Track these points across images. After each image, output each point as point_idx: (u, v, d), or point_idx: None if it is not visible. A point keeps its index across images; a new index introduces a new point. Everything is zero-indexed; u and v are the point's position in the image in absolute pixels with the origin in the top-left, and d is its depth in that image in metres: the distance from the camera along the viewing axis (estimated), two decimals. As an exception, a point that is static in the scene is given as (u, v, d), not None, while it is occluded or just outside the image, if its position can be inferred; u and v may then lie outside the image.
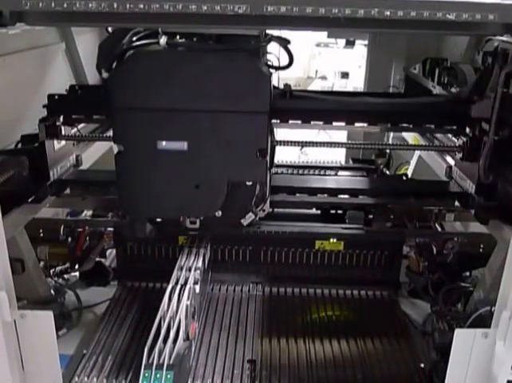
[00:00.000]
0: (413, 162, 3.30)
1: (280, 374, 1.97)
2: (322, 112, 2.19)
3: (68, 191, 2.35)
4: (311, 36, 8.58)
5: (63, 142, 2.34)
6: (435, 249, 2.38)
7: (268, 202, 2.12)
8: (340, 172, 2.98)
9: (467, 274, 2.41)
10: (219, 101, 1.84)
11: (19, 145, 2.23)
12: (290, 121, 2.21)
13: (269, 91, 1.85)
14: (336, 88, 8.53)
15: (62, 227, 2.37)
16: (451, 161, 2.47)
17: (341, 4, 1.30)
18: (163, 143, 1.88)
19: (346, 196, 2.42)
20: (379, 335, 2.20)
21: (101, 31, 3.01)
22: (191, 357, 1.94)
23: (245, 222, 2.07)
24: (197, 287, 2.01)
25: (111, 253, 2.61)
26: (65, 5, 1.30)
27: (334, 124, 2.23)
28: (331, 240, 2.45)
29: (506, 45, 1.95)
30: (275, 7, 1.30)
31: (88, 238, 2.44)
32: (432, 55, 3.14)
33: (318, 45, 9.47)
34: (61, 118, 2.24)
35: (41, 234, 2.37)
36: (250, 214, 2.05)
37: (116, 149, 1.94)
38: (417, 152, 3.19)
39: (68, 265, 2.47)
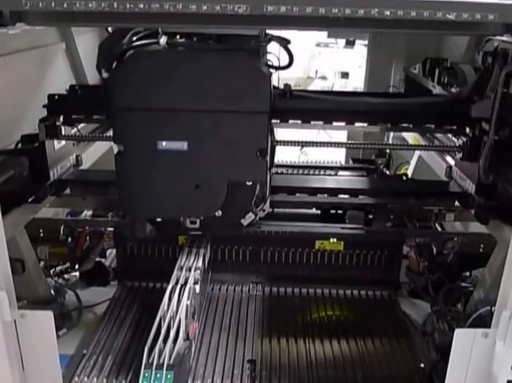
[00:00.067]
0: (413, 162, 3.30)
1: (280, 374, 1.97)
2: (322, 112, 2.19)
3: (68, 191, 2.35)
4: (311, 36, 8.59)
5: (63, 142, 2.34)
6: (435, 249, 2.38)
7: (268, 202, 2.12)
8: (340, 172, 2.98)
9: (467, 274, 2.41)
10: (219, 101, 1.84)
11: (19, 145, 2.23)
12: (290, 121, 2.21)
13: (269, 91, 1.85)
14: (336, 88, 8.53)
15: (62, 227, 2.37)
16: (451, 161, 2.47)
17: (341, 4, 1.30)
18: (163, 143, 1.88)
19: (346, 196, 2.41)
20: (379, 335, 2.20)
21: (101, 31, 3.01)
22: (191, 357, 1.94)
23: (245, 222, 2.07)
24: (197, 287, 2.01)
25: (111, 253, 2.61)
26: (65, 5, 1.30)
27: (334, 124, 2.23)
28: (331, 240, 2.45)
29: (506, 45, 1.95)
30: (275, 7, 1.30)
31: (88, 238, 2.44)
32: (432, 55, 3.14)
33: (318, 45, 9.47)
34: (61, 118, 2.24)
35: (41, 234, 2.37)
36: (250, 214, 2.05)
37: (116, 149, 1.94)
38: (417, 152, 3.19)
39: (68, 265, 2.47)
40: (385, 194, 2.44)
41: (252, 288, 2.52)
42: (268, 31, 1.96)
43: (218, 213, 2.00)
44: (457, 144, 2.40)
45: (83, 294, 2.41)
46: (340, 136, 4.58)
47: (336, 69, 9.21)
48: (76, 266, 2.46)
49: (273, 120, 2.09)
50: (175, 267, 2.14)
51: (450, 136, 2.59)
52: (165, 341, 1.77)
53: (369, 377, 1.98)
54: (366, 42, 4.14)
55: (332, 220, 2.54)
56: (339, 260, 2.49)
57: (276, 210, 2.40)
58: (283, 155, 2.87)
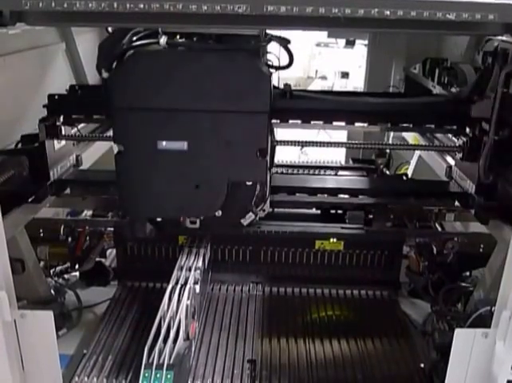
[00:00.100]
0: (413, 162, 3.30)
1: (280, 374, 1.97)
2: (322, 111, 2.19)
3: (68, 191, 2.35)
4: (311, 36, 8.59)
5: (63, 142, 2.34)
6: (435, 249, 2.38)
7: (268, 202, 2.12)
8: (340, 172, 2.98)
9: (467, 274, 2.41)
10: (219, 101, 1.84)
11: (19, 145, 2.23)
12: (290, 121, 2.21)
13: (269, 91, 1.85)
14: (337, 88, 8.53)
15: (62, 227, 2.37)
16: (451, 161, 2.47)
17: (341, 4, 1.30)
18: (163, 143, 1.88)
19: (346, 196, 2.41)
20: (379, 335, 2.20)
21: (101, 31, 3.01)
22: (191, 356, 1.94)
23: (245, 222, 2.07)
24: (197, 287, 2.01)
25: (111, 253, 2.61)
26: (65, 5, 1.30)
27: (334, 124, 2.23)
28: (331, 240, 2.45)
29: (506, 44, 1.95)
30: (275, 7, 1.30)
31: (88, 238, 2.44)
32: (432, 55, 3.14)
33: (318, 45, 9.47)
34: (61, 118, 2.24)
35: (41, 234, 2.37)
36: (250, 214, 2.05)
37: (116, 149, 1.94)
38: (417, 152, 3.19)
39: (68, 265, 2.47)
40: (385, 194, 2.44)
41: (252, 288, 2.52)
42: (268, 31, 1.96)
43: (218, 213, 2.00)
44: (457, 144, 2.40)
45: (83, 294, 2.41)
46: (340, 136, 4.58)
47: (336, 69, 9.21)
48: (76, 266, 2.46)
49: (273, 120, 2.09)
50: (175, 267, 2.14)
51: (450, 136, 2.59)
52: (165, 341, 1.77)
53: (369, 377, 1.98)
54: (366, 42, 4.15)
55: (332, 220, 2.54)
56: (339, 260, 2.49)
57: (276, 210, 2.39)
58: (283, 155, 2.87)
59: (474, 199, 2.11)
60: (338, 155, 3.89)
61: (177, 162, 1.91)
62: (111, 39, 1.96)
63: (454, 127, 2.28)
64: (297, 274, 2.51)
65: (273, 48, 2.05)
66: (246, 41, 1.86)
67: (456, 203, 2.33)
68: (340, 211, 2.56)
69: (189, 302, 1.89)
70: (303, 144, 2.35)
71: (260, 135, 1.90)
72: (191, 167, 1.92)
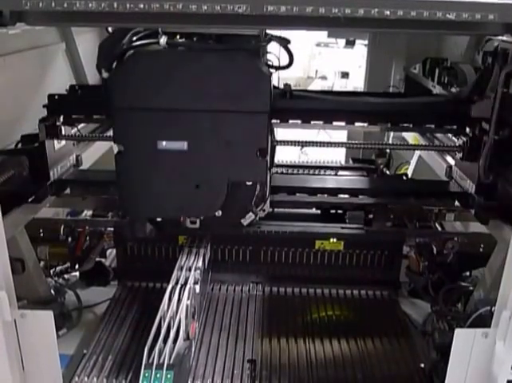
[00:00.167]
0: (413, 162, 3.30)
1: (280, 374, 1.97)
2: (322, 111, 2.19)
3: (68, 191, 2.35)
4: (311, 36, 8.59)
5: (63, 142, 2.34)
6: (435, 249, 2.38)
7: (268, 202, 2.12)
8: (340, 172, 2.98)
9: (467, 273, 2.41)
10: (219, 101, 1.84)
11: (19, 145, 2.23)
12: (290, 121, 2.21)
13: (269, 91, 1.85)
14: (337, 88, 8.53)
15: (62, 227, 2.37)
16: (451, 161, 2.47)
17: (341, 4, 1.30)
18: (163, 143, 1.88)
19: (346, 196, 2.41)
20: (379, 335, 2.20)
21: (101, 31, 3.01)
22: (191, 356, 1.94)
23: (245, 222, 2.07)
24: (197, 287, 2.01)
25: (111, 253, 2.61)
26: (65, 5, 1.30)
27: (334, 123, 2.23)
28: (331, 240, 2.45)
29: (506, 44, 1.95)
30: (275, 7, 1.30)
31: (88, 238, 2.44)
32: (432, 55, 3.14)
33: (318, 44, 9.47)
34: (61, 118, 2.24)
35: (41, 234, 2.37)
36: (250, 214, 2.05)
37: (116, 149, 1.94)
38: (417, 152, 3.19)
39: (68, 265, 2.47)
40: (385, 194, 2.44)
41: (252, 288, 2.52)
42: (268, 31, 1.96)
43: (218, 213, 2.00)
44: (457, 144, 2.40)
45: (83, 294, 2.41)
46: (340, 135, 4.58)
47: (336, 69, 9.21)
48: (76, 266, 2.46)
49: (273, 120, 2.09)
50: (175, 267, 2.14)
51: (450, 135, 2.59)
52: (165, 341, 1.77)
53: (369, 377, 1.98)
54: (366, 42, 4.14)
55: (332, 220, 2.54)
56: (339, 260, 2.49)
57: (276, 210, 2.39)
58: (283, 155, 2.87)
59: (474, 198, 2.11)
60: (338, 155, 3.89)
61: (177, 162, 1.91)
62: (111, 39, 1.96)
63: (454, 127, 2.28)
64: (297, 274, 2.51)
65: (273, 48, 2.05)
66: (246, 41, 1.86)
67: (456, 203, 2.33)
68: (340, 211, 2.56)
69: (189, 302, 1.89)
70: (303, 144, 2.35)
71: (260, 135, 1.90)
72: (191, 167, 1.92)
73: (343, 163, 3.58)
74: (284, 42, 1.93)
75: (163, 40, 1.81)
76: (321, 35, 7.77)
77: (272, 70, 2.03)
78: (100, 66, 1.92)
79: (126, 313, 2.32)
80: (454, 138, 2.53)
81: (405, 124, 2.29)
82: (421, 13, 1.31)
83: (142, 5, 1.30)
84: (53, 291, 2.33)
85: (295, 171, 2.93)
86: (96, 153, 2.81)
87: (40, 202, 2.12)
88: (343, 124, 2.24)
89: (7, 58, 2.31)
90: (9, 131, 2.29)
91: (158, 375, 1.67)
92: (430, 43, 3.35)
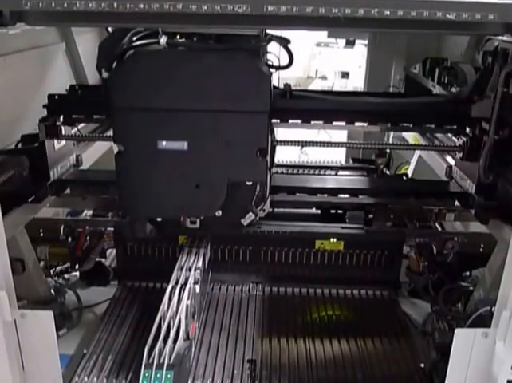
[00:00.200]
0: (413, 162, 3.30)
1: (280, 374, 1.97)
2: (322, 111, 2.19)
3: (68, 190, 2.35)
4: (311, 36, 8.58)
5: (63, 142, 2.34)
6: (435, 249, 2.38)
7: (268, 202, 2.12)
8: (341, 172, 2.98)
9: (467, 273, 2.41)
10: (219, 101, 1.84)
11: (19, 145, 2.23)
12: (290, 121, 2.21)
13: (269, 91, 1.85)
14: (337, 88, 8.53)
15: (62, 227, 2.37)
16: (451, 161, 2.47)
17: (341, 4, 1.29)
18: (163, 143, 1.88)
19: (346, 196, 2.41)
20: (379, 335, 2.20)
21: (101, 31, 3.01)
22: (191, 356, 1.94)
23: (245, 222, 2.07)
24: (197, 287, 2.01)
25: (111, 253, 2.61)
26: (65, 5, 1.30)
27: (334, 123, 2.22)
28: (331, 240, 2.45)
29: (506, 44, 1.95)
30: (275, 7, 1.30)
31: (88, 237, 2.44)
32: (432, 55, 3.14)
33: (318, 44, 9.47)
34: (61, 118, 2.24)
35: (42, 234, 2.37)
36: (250, 214, 2.05)
37: (116, 149, 1.94)
38: (417, 152, 3.19)
39: (68, 265, 2.47)
40: (385, 194, 2.44)
41: (252, 288, 2.52)
42: (268, 31, 1.96)
43: (218, 213, 2.00)
44: (457, 144, 2.40)
45: (83, 294, 2.41)
46: (340, 135, 4.57)
47: (336, 69, 9.21)
48: (77, 266, 2.46)
49: (273, 120, 2.09)
50: (175, 267, 2.14)
51: (450, 135, 2.59)
52: (165, 341, 1.77)
53: (369, 377, 1.98)
54: (366, 42, 4.14)
55: (333, 220, 2.54)
56: (339, 260, 2.49)
57: (276, 210, 2.39)
58: (283, 155, 2.87)
59: (474, 198, 2.11)
60: (338, 155, 3.89)
61: (177, 162, 1.91)
62: (111, 39, 1.96)
63: (455, 127, 2.28)
64: (297, 274, 2.51)
65: (273, 48, 2.05)
66: (246, 41, 1.86)
67: (456, 203, 2.33)
68: (340, 211, 2.56)
69: (189, 302, 1.89)
70: (303, 144, 2.35)
71: (260, 135, 1.90)
72: (191, 167, 1.92)
73: (343, 163, 3.58)
74: (284, 42, 1.93)
75: (163, 40, 1.81)
76: (321, 35, 7.77)
77: (272, 70, 2.03)
78: (100, 66, 1.92)
79: (126, 313, 2.32)
80: (454, 138, 2.53)
81: (405, 124, 2.29)
82: (421, 13, 1.31)
83: (142, 5, 1.30)
84: (53, 291, 2.33)
85: (295, 171, 2.93)
86: (96, 153, 2.81)
87: (40, 202, 2.12)
88: (343, 124, 2.24)
89: (7, 58, 2.31)
90: (9, 131, 2.29)
91: (158, 375, 1.67)
92: (430, 43, 3.35)
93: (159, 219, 2.12)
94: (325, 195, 2.39)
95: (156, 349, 1.72)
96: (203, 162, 1.91)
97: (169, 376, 1.67)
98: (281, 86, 2.14)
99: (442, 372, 1.71)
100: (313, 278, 2.52)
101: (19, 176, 2.04)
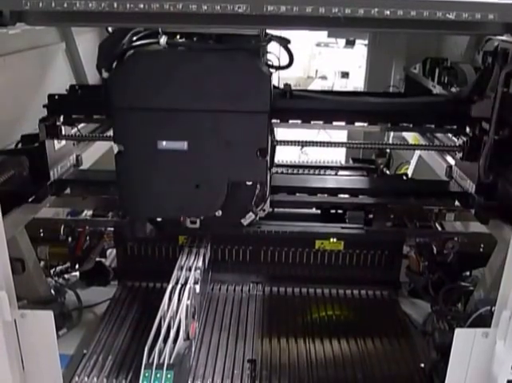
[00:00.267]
0: (413, 162, 3.30)
1: (280, 374, 1.97)
2: (322, 111, 2.19)
3: (68, 190, 2.35)
4: (311, 36, 8.58)
5: (63, 142, 2.34)
6: (435, 249, 2.38)
7: (268, 202, 2.12)
8: (341, 172, 2.98)
9: (467, 273, 2.41)
10: (219, 101, 1.84)
11: (19, 145, 2.23)
12: (290, 121, 2.21)
13: (269, 91, 1.85)
14: (337, 88, 8.53)
15: (62, 227, 2.37)
16: (451, 161, 2.47)
17: (341, 3, 1.29)
18: (163, 143, 1.88)
19: (346, 196, 2.41)
20: (379, 335, 2.20)
21: (101, 31, 3.01)
22: (191, 356, 1.94)
23: (245, 222, 2.07)
24: (197, 287, 2.01)
25: (111, 253, 2.61)
26: (65, 5, 1.30)
27: (334, 123, 2.22)
28: (331, 240, 2.45)
29: (506, 44, 1.95)
30: (275, 7, 1.30)
31: (88, 237, 2.44)
32: (432, 55, 3.14)
33: (318, 44, 9.47)
34: (61, 118, 2.24)
35: (42, 234, 2.37)
36: (250, 214, 2.05)
37: (116, 149, 1.94)
38: (417, 152, 3.19)
39: (68, 265, 2.47)
40: (385, 194, 2.43)
41: (252, 288, 2.52)
42: (268, 31, 1.96)
43: (219, 213, 2.00)
44: (457, 144, 2.40)
45: (83, 294, 2.41)
46: (340, 135, 4.57)
47: (336, 69, 9.21)
48: (77, 266, 2.46)
49: (273, 120, 2.09)
50: (175, 267, 2.14)
51: (450, 135, 2.59)
52: (165, 341, 1.77)
53: (369, 377, 1.98)
54: (366, 42, 4.14)
55: (333, 220, 2.54)
56: (339, 260, 2.49)
57: (276, 210, 2.39)
58: (283, 155, 2.87)
59: (475, 198, 2.11)
60: (338, 155, 3.89)
61: (177, 162, 1.91)
62: (111, 39, 1.96)
63: (455, 127, 2.28)
64: (297, 274, 2.51)
65: (273, 48, 2.05)
66: (246, 41, 1.86)
67: (456, 203, 2.33)
68: (340, 211, 2.56)
69: (189, 302, 1.89)
70: (303, 144, 2.35)
71: (260, 135, 1.90)
72: (191, 167, 1.92)
73: (343, 163, 3.58)
74: (284, 42, 1.93)
75: (163, 40, 1.81)
76: (321, 35, 7.77)
77: (272, 70, 2.03)
78: (100, 66, 1.92)
79: (126, 313, 2.32)
80: (454, 138, 2.53)
81: (405, 124, 2.29)
82: (421, 13, 1.31)
83: (142, 5, 1.30)
84: (53, 291, 2.33)
85: (295, 171, 2.93)
86: (96, 153, 2.81)
87: (40, 202, 2.12)
88: (343, 124, 2.24)
89: (7, 58, 2.31)
90: (9, 131, 2.29)
91: (158, 375, 1.67)
92: (430, 43, 3.35)
93: (159, 219, 2.12)
94: (325, 195, 2.39)
95: (156, 349, 1.72)
96: (203, 162, 1.91)
97: (169, 376, 1.67)
98: (281, 86, 2.14)
99: (442, 372, 1.71)
100: (313, 278, 2.52)
101: (19, 176, 2.04)
